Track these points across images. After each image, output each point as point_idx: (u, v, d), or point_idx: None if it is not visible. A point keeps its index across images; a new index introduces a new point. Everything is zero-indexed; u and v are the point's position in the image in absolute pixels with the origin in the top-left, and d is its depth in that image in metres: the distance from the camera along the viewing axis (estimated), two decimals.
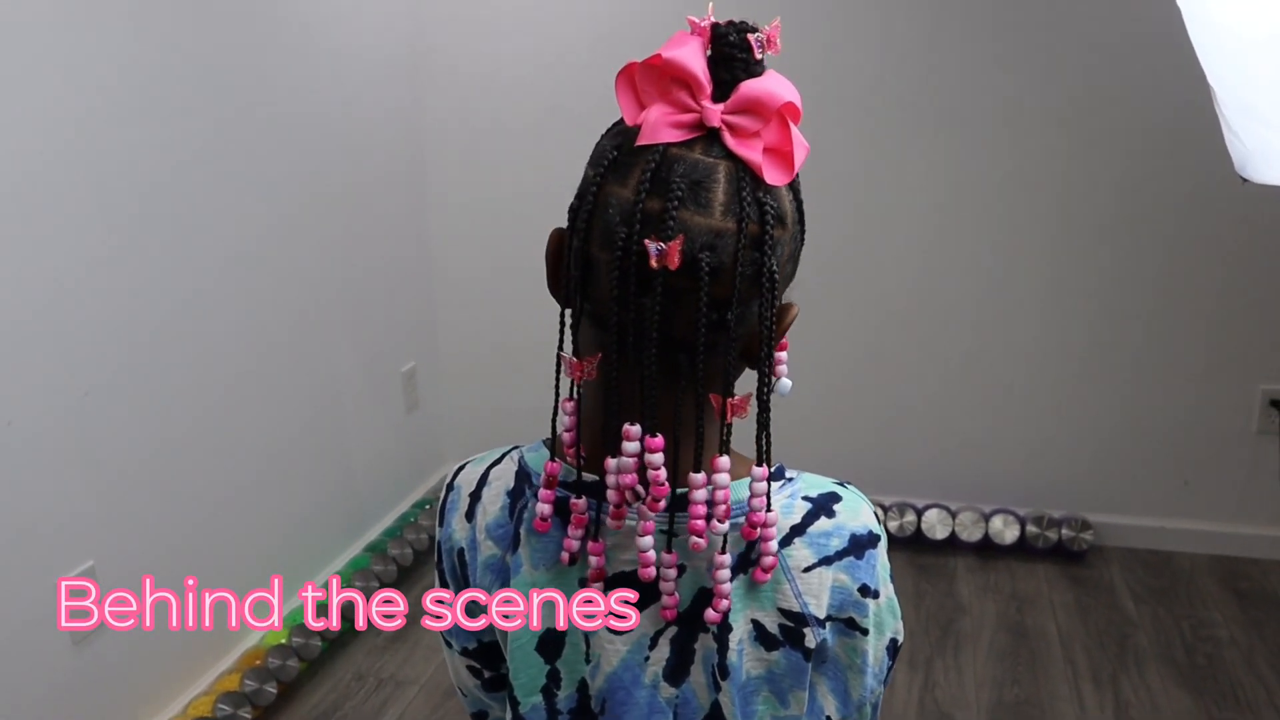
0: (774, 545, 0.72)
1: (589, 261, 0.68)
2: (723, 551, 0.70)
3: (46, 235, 1.75)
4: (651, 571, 0.71)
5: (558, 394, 0.73)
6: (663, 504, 0.69)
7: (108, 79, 1.85)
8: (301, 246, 2.44)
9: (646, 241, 0.64)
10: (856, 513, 0.77)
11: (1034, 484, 2.86)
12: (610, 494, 0.69)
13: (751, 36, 0.67)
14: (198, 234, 2.10)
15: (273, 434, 2.38)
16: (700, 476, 0.68)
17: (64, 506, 1.82)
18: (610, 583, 0.74)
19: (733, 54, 0.66)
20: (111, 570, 1.92)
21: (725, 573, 0.70)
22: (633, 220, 0.65)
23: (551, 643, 0.75)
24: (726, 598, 0.70)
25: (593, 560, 0.72)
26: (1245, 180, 0.79)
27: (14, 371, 1.70)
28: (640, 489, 0.68)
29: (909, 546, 2.84)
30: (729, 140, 0.66)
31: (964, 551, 2.82)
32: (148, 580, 2.01)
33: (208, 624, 2.21)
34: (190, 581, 2.13)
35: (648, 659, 0.74)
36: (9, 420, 1.70)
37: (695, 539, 0.68)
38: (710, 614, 0.71)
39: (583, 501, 0.71)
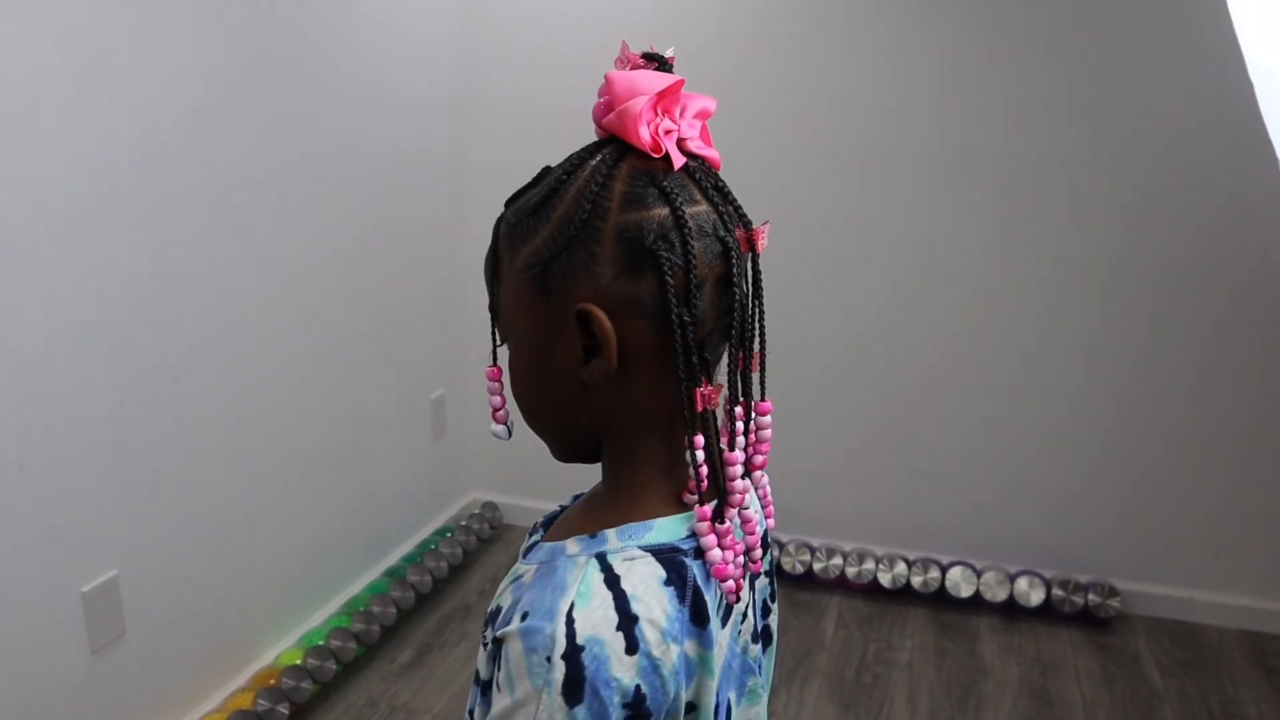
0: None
1: (700, 286, 0.69)
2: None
3: (97, 247, 1.77)
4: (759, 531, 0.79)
5: (692, 443, 0.69)
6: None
7: (168, 109, 1.88)
8: (341, 271, 2.46)
9: (756, 230, 0.71)
10: None
11: (1061, 547, 2.82)
12: (734, 470, 0.72)
13: (670, 59, 0.74)
14: (241, 253, 2.12)
15: (300, 453, 2.39)
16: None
17: (92, 514, 1.83)
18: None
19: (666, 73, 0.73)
20: (134, 581, 1.92)
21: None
22: (726, 226, 0.71)
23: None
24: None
25: (756, 555, 0.78)
26: None
27: (55, 376, 1.72)
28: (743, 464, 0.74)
29: (932, 603, 2.80)
30: (693, 146, 0.72)
31: (988, 611, 2.78)
32: (168, 593, 2.02)
33: (224, 640, 2.21)
34: (210, 596, 2.13)
35: (740, 631, 0.78)
36: (45, 425, 1.71)
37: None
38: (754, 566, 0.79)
39: (726, 525, 0.72)
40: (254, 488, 2.24)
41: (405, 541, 2.89)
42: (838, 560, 2.85)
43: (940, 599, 2.80)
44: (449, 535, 2.92)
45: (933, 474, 2.88)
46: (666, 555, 0.70)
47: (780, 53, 2.69)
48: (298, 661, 2.26)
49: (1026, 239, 2.67)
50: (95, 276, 1.78)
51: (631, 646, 0.66)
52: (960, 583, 2.78)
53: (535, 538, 0.80)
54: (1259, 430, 2.64)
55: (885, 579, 2.81)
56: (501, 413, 0.78)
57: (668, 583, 0.69)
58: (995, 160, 2.65)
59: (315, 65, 2.30)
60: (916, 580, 2.80)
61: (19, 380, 1.66)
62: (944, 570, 2.80)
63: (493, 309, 0.77)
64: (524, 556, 0.77)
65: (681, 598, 0.69)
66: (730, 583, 0.71)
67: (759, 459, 0.75)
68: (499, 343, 0.78)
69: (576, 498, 0.83)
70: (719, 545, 0.71)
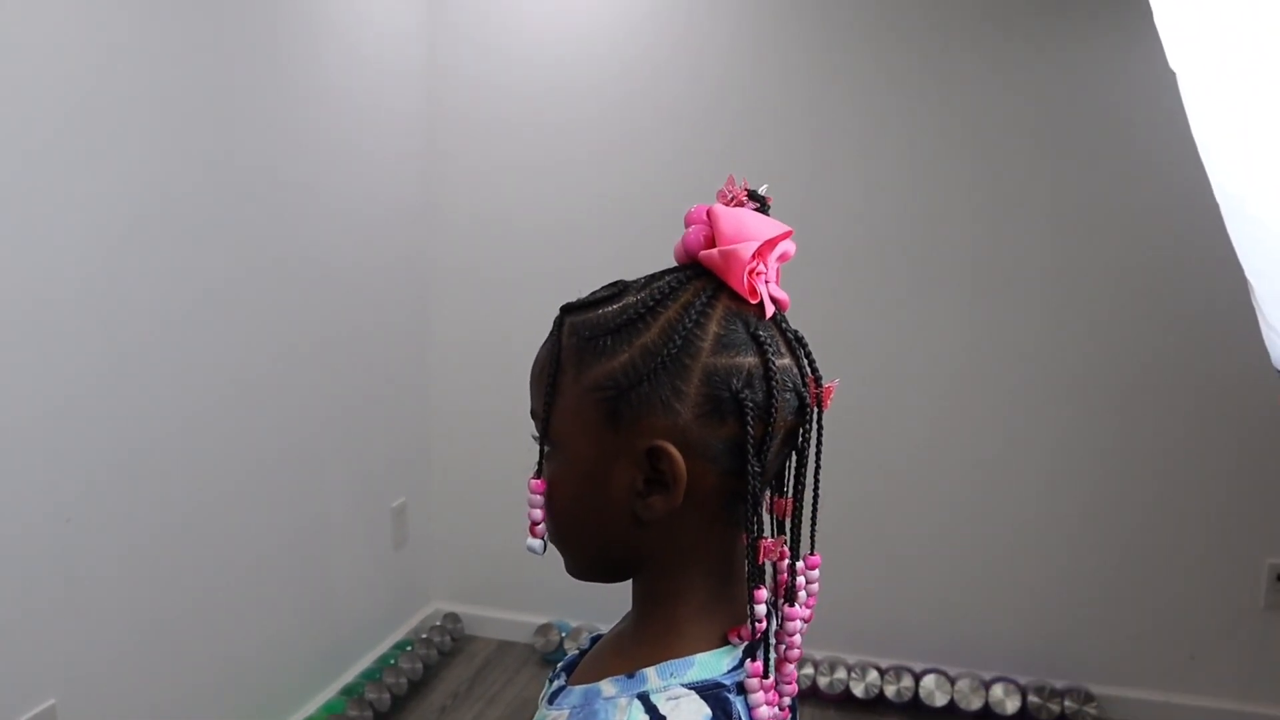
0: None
1: (773, 438, 0.69)
2: None
3: (40, 356, 1.72)
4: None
5: (753, 596, 0.68)
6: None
7: (123, 213, 1.86)
8: (300, 377, 2.42)
9: (827, 388, 0.71)
10: None
11: (1036, 652, 2.78)
12: (794, 625, 0.71)
13: (769, 200, 0.72)
14: (195, 364, 2.08)
15: (254, 565, 2.31)
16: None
17: (28, 641, 1.74)
18: None
19: (768, 216, 0.72)
20: (73, 710, 1.82)
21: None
22: (803, 380, 0.70)
23: None
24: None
25: (786, 703, 0.72)
26: None
27: None
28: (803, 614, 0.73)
29: (905, 713, 2.73)
30: (772, 289, 0.71)
31: None
32: None
33: None
34: None
35: None
36: None
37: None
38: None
39: (771, 679, 0.70)
40: (204, 603, 2.16)
41: (363, 656, 2.79)
42: (809, 670, 2.78)
43: (914, 708, 2.73)
44: (409, 649, 2.82)
45: (903, 578, 2.84)
46: (711, 692, 0.67)
47: (750, 153, 2.72)
48: None
49: (996, 342, 2.69)
50: (40, 388, 1.72)
51: None
52: (934, 691, 2.71)
53: (559, 683, 0.77)
54: (1227, 532, 2.63)
55: (858, 689, 2.74)
56: (540, 527, 0.74)
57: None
58: (964, 263, 2.68)
59: (278, 169, 2.29)
60: (890, 689, 2.73)
61: None
62: (917, 679, 2.74)
63: (539, 416, 0.73)
64: (549, 703, 0.74)
65: None
66: (768, 711, 0.69)
67: (806, 613, 0.73)
68: (541, 447, 0.75)
69: (595, 639, 0.81)
70: (766, 702, 0.69)
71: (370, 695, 2.57)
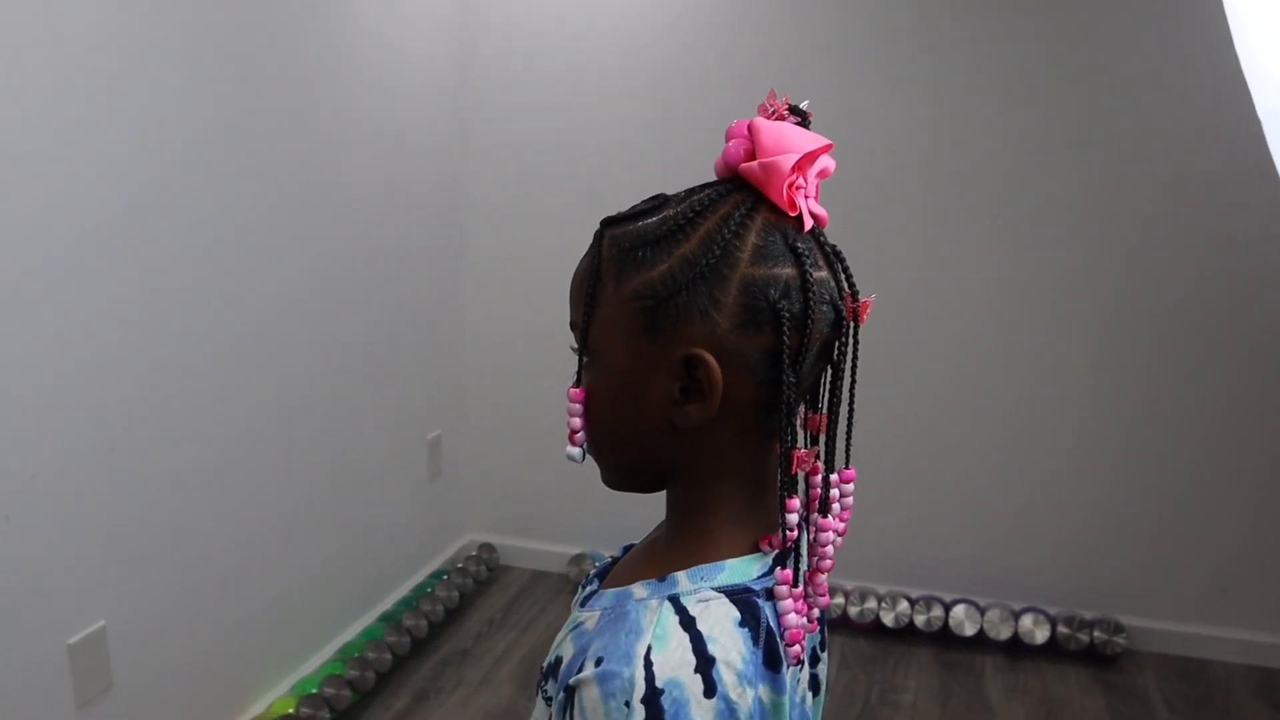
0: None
1: (808, 350, 0.70)
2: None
3: (85, 290, 1.75)
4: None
5: (784, 506, 0.70)
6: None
7: (156, 151, 1.87)
8: (335, 310, 2.44)
9: (864, 303, 0.71)
10: None
11: (1066, 583, 2.79)
12: (827, 536, 0.72)
13: (810, 114, 0.72)
14: (232, 295, 2.10)
15: (294, 496, 2.36)
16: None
17: (79, 564, 1.79)
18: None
19: (809, 131, 0.72)
20: (122, 631, 1.88)
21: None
22: (840, 294, 0.72)
23: None
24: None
25: (815, 614, 0.73)
26: None
27: (41, 425, 1.69)
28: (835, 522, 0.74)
29: (935, 642, 2.76)
30: (811, 205, 0.71)
31: (992, 650, 2.74)
32: (158, 643, 1.98)
33: (215, 690, 2.17)
34: (201, 645, 2.10)
35: (799, 680, 0.75)
36: (33, 474, 1.68)
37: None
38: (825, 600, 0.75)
39: (801, 588, 0.71)
40: (245, 532, 2.21)
41: (401, 585, 2.85)
42: (840, 600, 2.81)
43: (944, 638, 2.76)
44: (445, 578, 2.88)
45: (936, 510, 2.85)
46: (740, 596, 0.69)
47: (772, 81, 2.69)
48: (290, 710, 2.21)
49: (1034, 273, 2.66)
50: (84, 320, 1.75)
51: (710, 689, 0.64)
52: (964, 621, 2.74)
53: (592, 587, 0.79)
54: (1263, 462, 2.62)
55: (888, 618, 2.78)
56: (579, 435, 0.75)
57: (742, 624, 0.68)
58: (998, 192, 2.64)
59: (310, 98, 2.29)
60: (920, 619, 2.76)
61: (6, 428, 1.63)
62: (947, 608, 2.76)
63: (579, 327, 0.74)
64: (581, 605, 0.76)
65: (755, 639, 0.68)
66: (796, 647, 0.70)
67: (841, 525, 0.75)
68: (580, 358, 0.75)
69: (627, 548, 0.82)
70: (794, 610, 0.70)
71: (408, 623, 2.63)
